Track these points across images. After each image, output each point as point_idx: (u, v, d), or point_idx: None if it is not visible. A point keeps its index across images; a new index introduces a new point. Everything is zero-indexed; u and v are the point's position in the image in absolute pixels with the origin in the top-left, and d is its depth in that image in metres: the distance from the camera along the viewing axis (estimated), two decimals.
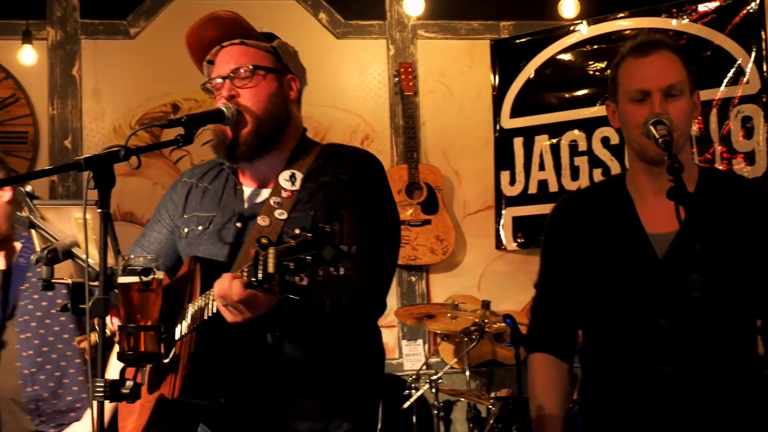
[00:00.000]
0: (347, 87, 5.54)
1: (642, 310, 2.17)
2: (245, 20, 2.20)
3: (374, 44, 5.60)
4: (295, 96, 2.23)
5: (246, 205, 2.19)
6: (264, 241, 1.86)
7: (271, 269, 1.68)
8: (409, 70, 5.44)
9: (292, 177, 2.15)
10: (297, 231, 1.68)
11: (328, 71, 5.48)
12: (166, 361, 2.07)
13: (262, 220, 2.10)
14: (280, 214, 2.10)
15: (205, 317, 1.94)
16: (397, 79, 5.48)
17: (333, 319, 2.05)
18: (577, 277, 2.29)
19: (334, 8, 5.54)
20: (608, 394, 2.25)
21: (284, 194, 2.12)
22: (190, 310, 2.02)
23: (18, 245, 3.00)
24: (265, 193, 2.18)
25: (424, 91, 5.57)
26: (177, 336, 2.05)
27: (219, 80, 2.16)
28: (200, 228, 2.21)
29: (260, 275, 1.70)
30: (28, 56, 5.12)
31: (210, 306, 1.93)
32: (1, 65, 5.22)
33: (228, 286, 1.83)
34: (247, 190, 2.22)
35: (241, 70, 2.13)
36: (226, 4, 5.59)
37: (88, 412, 2.90)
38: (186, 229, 2.24)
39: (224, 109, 2.09)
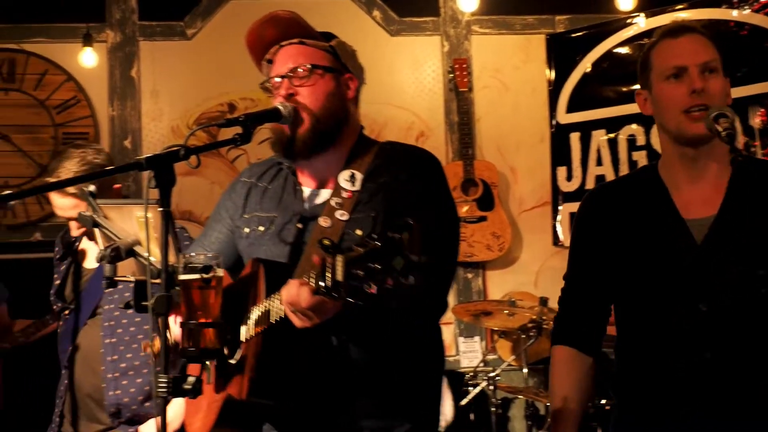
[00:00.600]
0: (402, 84, 5.55)
1: (682, 297, 2.12)
2: (304, 20, 2.20)
3: (428, 41, 5.60)
4: (352, 95, 2.23)
5: (306, 206, 2.19)
6: (326, 242, 1.87)
7: (339, 277, 1.67)
8: (464, 66, 5.43)
9: (352, 177, 2.15)
10: (364, 237, 1.68)
11: (383, 69, 5.49)
12: (233, 361, 2.08)
13: (323, 221, 2.10)
14: (341, 215, 2.09)
15: (272, 321, 1.95)
16: (451, 75, 5.46)
17: (398, 321, 2.05)
18: (609, 268, 2.26)
19: (388, 5, 5.56)
20: (646, 384, 2.20)
21: (344, 195, 2.12)
22: (256, 312, 2.03)
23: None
24: (325, 193, 2.19)
25: (478, 87, 5.56)
26: (242, 337, 2.07)
27: (278, 79, 2.17)
28: (261, 228, 2.22)
29: (329, 282, 1.69)
30: (88, 59, 5.23)
31: (276, 310, 1.94)
32: (63, 68, 5.34)
33: (296, 293, 1.84)
34: (307, 190, 2.22)
35: (300, 69, 2.14)
36: (283, 4, 5.63)
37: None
38: (247, 229, 2.25)
39: (281, 107, 2.09)
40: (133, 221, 2.25)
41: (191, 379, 1.82)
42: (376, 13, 5.53)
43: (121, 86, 5.40)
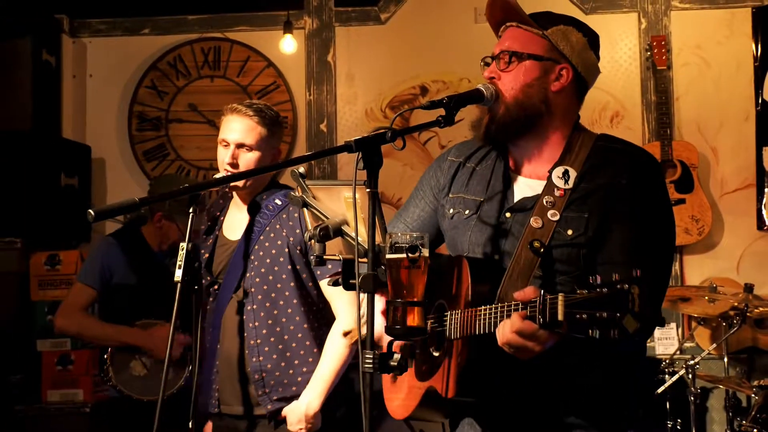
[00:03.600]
0: None
1: None
2: (518, 5, 2.17)
3: (624, 18, 5.48)
4: (560, 86, 2.14)
5: (516, 197, 2.16)
6: (536, 245, 1.87)
7: (560, 317, 1.67)
8: (662, 43, 5.26)
9: (566, 174, 2.09)
10: (590, 281, 1.65)
11: None
12: (437, 354, 2.10)
13: (534, 222, 2.06)
14: (553, 215, 2.05)
15: (480, 332, 1.94)
16: (649, 53, 5.32)
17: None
18: None
19: None
20: None
21: (557, 193, 2.07)
22: (460, 315, 2.03)
23: (247, 219, 3.09)
24: (535, 185, 2.14)
25: (678, 65, 5.40)
26: (448, 334, 2.06)
27: (489, 60, 2.19)
28: (467, 212, 2.21)
29: (548, 319, 1.71)
30: (288, 45, 5.45)
31: (488, 325, 1.92)
32: (264, 54, 5.62)
33: (519, 328, 1.81)
34: (518, 178, 2.20)
35: (504, 55, 2.14)
36: None
37: (305, 392, 2.96)
38: (451, 210, 2.25)
39: (483, 89, 2.10)
40: (341, 202, 2.26)
41: (397, 356, 1.86)
42: None
43: (317, 71, 5.60)
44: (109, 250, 4.30)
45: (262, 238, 2.99)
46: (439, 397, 2.06)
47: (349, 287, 2.04)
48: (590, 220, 2.03)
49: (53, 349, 4.79)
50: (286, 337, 2.99)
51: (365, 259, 1.88)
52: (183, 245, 2.75)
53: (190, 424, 2.92)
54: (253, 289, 2.98)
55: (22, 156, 5.06)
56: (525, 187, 2.16)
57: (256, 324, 2.97)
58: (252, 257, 3.01)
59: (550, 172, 2.10)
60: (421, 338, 2.02)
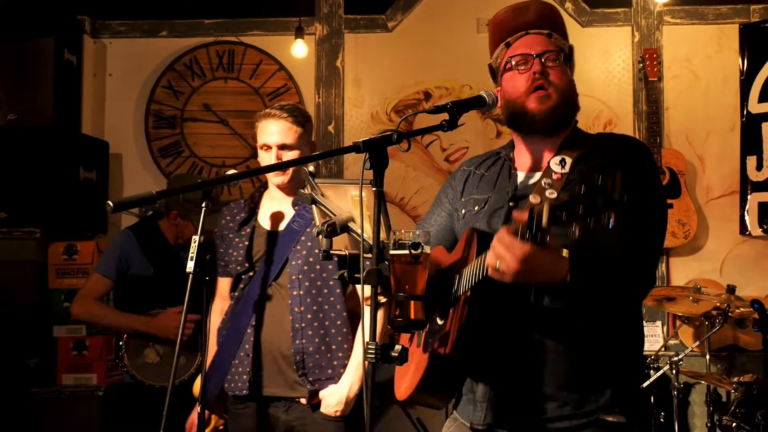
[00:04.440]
0: (591, 73, 5.60)
1: None
2: (560, 15, 2.35)
3: (619, 31, 5.62)
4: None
5: (519, 187, 2.26)
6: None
7: (544, 224, 1.71)
8: (654, 56, 5.41)
9: (562, 161, 2.19)
10: (571, 186, 1.70)
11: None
12: (441, 322, 2.15)
13: (533, 198, 2.09)
14: (550, 194, 2.09)
15: (482, 275, 1.98)
16: (641, 65, 5.47)
17: (619, 277, 2.06)
18: None
19: None
20: None
21: (554, 176, 2.15)
22: (468, 270, 2.09)
23: (290, 212, 3.16)
24: (537, 176, 2.24)
25: (668, 77, 5.54)
26: (459, 291, 2.11)
27: (532, 55, 2.23)
28: (476, 208, 2.31)
29: (534, 229, 1.74)
30: (299, 50, 5.61)
31: (482, 266, 1.97)
32: (276, 58, 5.77)
33: (503, 234, 1.87)
34: (521, 174, 2.30)
35: (553, 52, 2.24)
36: None
37: (345, 376, 3.03)
38: (463, 210, 2.36)
39: (485, 95, 2.17)
40: (348, 200, 2.34)
41: (398, 347, 1.90)
42: (569, 4, 5.60)
43: (326, 75, 5.75)
44: (128, 242, 4.34)
45: (309, 230, 3.08)
46: (443, 364, 2.10)
47: (354, 281, 2.13)
48: (583, 195, 2.13)
49: (69, 335, 4.89)
50: (327, 323, 3.07)
51: (370, 255, 1.91)
52: (195, 238, 2.80)
53: (198, 408, 2.99)
54: (300, 276, 3.06)
55: (44, 150, 5.13)
56: (527, 179, 2.28)
57: (302, 309, 3.05)
58: (299, 247, 3.08)
59: (549, 162, 2.21)
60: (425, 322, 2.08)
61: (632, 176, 2.08)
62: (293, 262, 3.08)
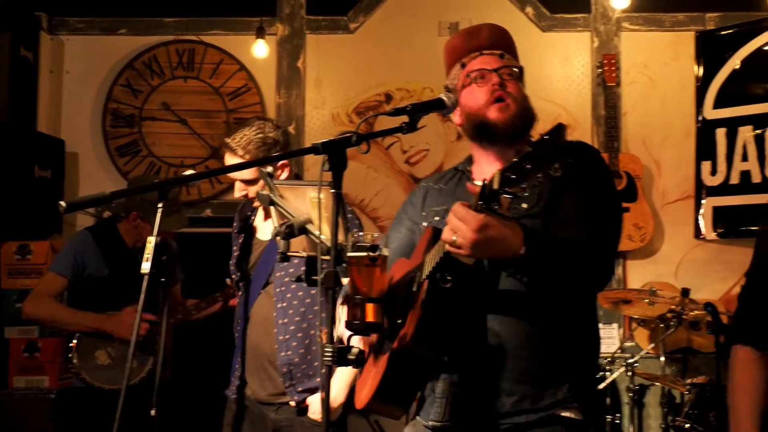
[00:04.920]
0: (551, 78, 5.66)
1: None
2: (512, 38, 2.45)
3: (578, 36, 5.68)
4: None
5: None
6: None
7: (495, 186, 1.74)
8: (613, 61, 5.48)
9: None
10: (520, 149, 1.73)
11: (533, 63, 5.58)
12: (401, 321, 2.12)
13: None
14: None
15: (438, 260, 2.00)
16: (600, 70, 5.53)
17: (574, 261, 2.08)
18: None
19: (540, 2, 5.68)
20: None
21: None
22: (425, 262, 2.11)
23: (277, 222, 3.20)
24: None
25: (626, 82, 5.60)
26: (420, 277, 2.11)
27: (489, 70, 2.31)
28: (437, 218, 2.35)
29: (487, 193, 1.78)
30: (260, 50, 5.60)
31: (440, 248, 1.99)
32: (237, 58, 5.75)
33: (456, 208, 1.91)
34: (479, 183, 2.33)
35: (508, 68, 2.33)
36: (438, 0, 5.82)
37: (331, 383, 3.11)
38: (424, 223, 2.38)
39: (445, 98, 2.20)
40: (307, 201, 2.32)
41: (355, 350, 1.89)
42: (529, 9, 5.66)
43: (287, 76, 5.74)
44: (84, 242, 4.27)
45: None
46: (402, 361, 2.07)
47: (311, 283, 2.08)
48: (541, 194, 2.17)
49: (21, 337, 4.82)
50: (313, 332, 3.07)
51: (328, 257, 1.92)
52: (151, 239, 2.75)
53: (152, 412, 2.93)
54: (283, 288, 3.08)
55: None
56: None
57: (285, 321, 3.06)
58: None
59: None
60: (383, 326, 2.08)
61: (585, 175, 2.18)
62: (277, 274, 3.09)
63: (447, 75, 2.45)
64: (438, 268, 2.02)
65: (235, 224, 3.33)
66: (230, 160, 3.09)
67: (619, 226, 2.26)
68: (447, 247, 1.93)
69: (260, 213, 3.26)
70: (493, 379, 2.14)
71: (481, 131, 2.30)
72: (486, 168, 2.33)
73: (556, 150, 1.68)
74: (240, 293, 3.23)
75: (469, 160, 2.45)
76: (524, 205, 2.18)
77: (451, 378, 2.20)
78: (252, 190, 3.07)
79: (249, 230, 3.28)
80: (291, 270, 3.07)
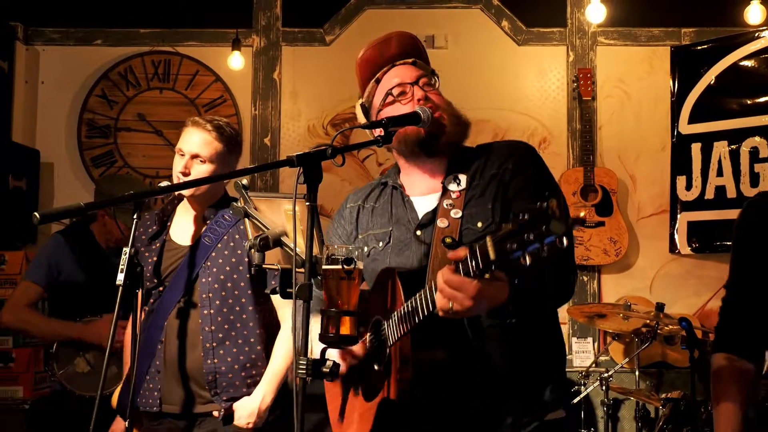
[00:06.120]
0: (526, 91, 5.67)
1: None
2: (421, 43, 2.43)
3: (554, 50, 5.71)
4: None
5: (419, 213, 2.25)
6: (448, 240, 1.93)
7: (492, 256, 1.66)
8: (588, 75, 5.51)
9: (456, 179, 2.23)
10: (512, 215, 1.63)
11: (508, 76, 5.66)
12: (378, 368, 2.13)
13: (441, 222, 2.16)
14: (455, 213, 2.16)
15: (420, 317, 1.96)
16: (575, 84, 5.55)
17: (557, 291, 2.10)
18: None
19: (516, 16, 5.70)
20: None
21: (453, 196, 2.19)
22: (398, 313, 2.04)
23: (202, 226, 3.10)
24: (434, 199, 2.25)
25: (602, 97, 5.63)
26: (389, 341, 2.08)
27: (409, 83, 2.28)
28: (381, 244, 2.29)
29: (481, 264, 1.70)
30: (236, 61, 5.60)
31: (423, 303, 1.94)
32: (212, 70, 5.75)
33: (449, 276, 1.83)
34: (416, 200, 2.29)
35: (425, 78, 2.31)
36: (417, 14, 5.90)
37: (258, 388, 3.00)
38: (366, 248, 2.31)
39: (421, 111, 2.17)
40: (282, 214, 2.31)
41: (329, 363, 1.88)
42: (505, 23, 5.67)
43: (263, 87, 5.74)
44: (57, 248, 4.25)
45: (220, 246, 3.04)
46: (392, 411, 2.06)
47: (286, 296, 2.04)
48: (494, 208, 2.15)
49: None
50: (240, 341, 3.02)
51: (303, 270, 1.90)
52: (126, 250, 2.74)
53: (126, 423, 2.89)
54: (210, 294, 3.01)
55: None
56: (424, 204, 2.28)
57: (212, 328, 3.00)
58: (209, 263, 3.03)
59: (443, 182, 2.24)
60: (362, 362, 2.08)
61: (527, 176, 2.18)
62: (203, 280, 3.02)
63: (361, 93, 2.41)
64: (416, 327, 1.99)
65: (141, 229, 3.19)
66: (191, 133, 3.04)
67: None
68: (442, 314, 1.89)
69: (179, 218, 3.17)
70: (481, 406, 2.13)
71: (422, 147, 2.26)
72: (418, 181, 2.31)
73: (557, 214, 1.57)
74: (152, 300, 3.08)
75: (396, 171, 2.40)
76: (479, 224, 2.15)
77: (440, 415, 2.15)
78: (197, 171, 3.00)
79: (166, 234, 3.16)
80: (221, 276, 3.02)
